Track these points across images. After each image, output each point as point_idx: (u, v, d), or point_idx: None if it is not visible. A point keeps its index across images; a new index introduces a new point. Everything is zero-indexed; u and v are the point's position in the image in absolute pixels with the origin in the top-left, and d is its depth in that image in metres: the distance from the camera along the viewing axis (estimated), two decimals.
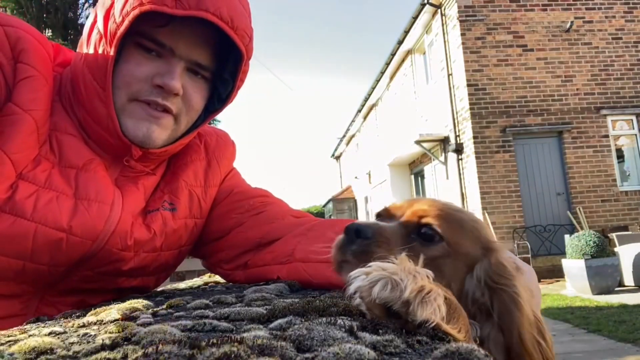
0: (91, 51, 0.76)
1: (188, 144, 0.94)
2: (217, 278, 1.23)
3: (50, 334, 0.42)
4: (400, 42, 13.05)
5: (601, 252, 6.85)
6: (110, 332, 0.40)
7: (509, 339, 0.51)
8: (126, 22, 0.70)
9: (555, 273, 8.87)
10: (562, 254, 8.18)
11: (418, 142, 11.24)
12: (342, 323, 0.37)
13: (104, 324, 0.47)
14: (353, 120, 20.83)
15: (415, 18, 11.79)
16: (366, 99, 18.09)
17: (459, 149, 10.39)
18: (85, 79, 0.76)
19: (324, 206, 26.78)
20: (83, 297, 0.84)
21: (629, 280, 7.25)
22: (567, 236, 8.41)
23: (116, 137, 0.78)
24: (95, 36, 0.76)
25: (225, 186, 1.01)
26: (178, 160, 0.94)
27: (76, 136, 0.79)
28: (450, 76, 10.73)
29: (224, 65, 0.85)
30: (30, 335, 0.40)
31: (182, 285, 1.19)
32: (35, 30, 0.78)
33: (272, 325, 0.41)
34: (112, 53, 0.72)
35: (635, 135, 10.32)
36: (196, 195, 0.93)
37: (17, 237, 0.71)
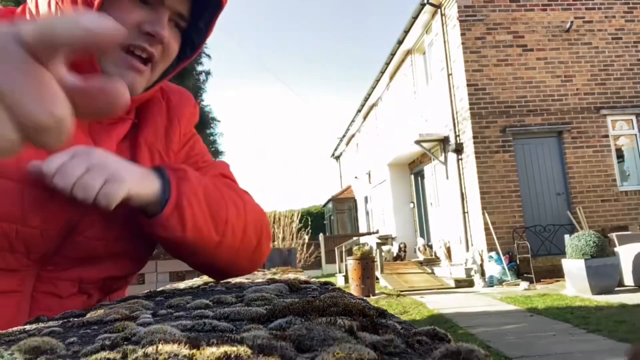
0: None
1: (150, 98, 0.94)
2: None
3: (50, 334, 0.42)
4: (400, 42, 13.06)
5: (601, 252, 6.86)
6: (110, 332, 0.40)
7: None
8: None
9: (555, 273, 8.88)
10: (562, 254, 8.19)
11: (418, 142, 11.25)
12: (342, 323, 0.37)
13: (104, 323, 0.47)
14: (353, 120, 20.85)
15: (415, 18, 11.79)
16: (366, 99, 18.11)
17: (458, 149, 10.40)
18: None
19: (324, 206, 26.78)
20: (80, 273, 0.82)
21: (628, 280, 7.25)
22: (567, 236, 8.41)
23: None
24: None
25: (191, 161, 1.00)
26: (138, 115, 0.92)
27: None
28: (450, 76, 10.74)
29: (198, 15, 0.87)
30: (30, 335, 0.40)
31: (182, 285, 1.19)
32: None
33: (272, 325, 0.41)
34: (97, 1, 0.71)
35: (635, 135, 10.33)
36: (157, 151, 0.93)
37: (6, 200, 0.69)
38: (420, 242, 13.44)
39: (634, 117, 10.28)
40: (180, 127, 0.98)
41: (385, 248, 13.11)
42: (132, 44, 0.77)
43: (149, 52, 0.78)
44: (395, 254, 12.99)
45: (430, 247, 12.98)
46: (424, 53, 12.86)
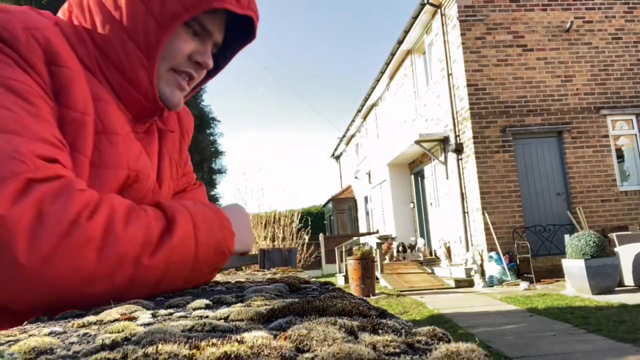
0: (125, 15, 0.79)
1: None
2: (217, 278, 1.23)
3: (50, 334, 0.42)
4: (400, 42, 13.05)
5: (601, 252, 6.85)
6: (110, 332, 0.40)
7: None
8: (191, 12, 0.79)
9: (555, 273, 8.88)
10: (562, 254, 8.19)
11: (418, 142, 11.25)
12: (342, 323, 0.37)
13: (104, 324, 0.47)
14: (353, 120, 20.84)
15: (415, 18, 11.79)
16: (366, 99, 18.10)
17: (459, 149, 10.40)
18: (126, 46, 0.80)
19: (324, 206, 26.78)
20: None
21: (629, 280, 7.25)
22: (567, 236, 8.41)
23: (152, 102, 0.86)
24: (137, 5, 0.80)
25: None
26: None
27: (111, 102, 0.83)
28: (450, 76, 10.74)
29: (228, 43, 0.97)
30: (30, 335, 0.40)
31: None
32: (46, 20, 0.77)
33: (272, 325, 0.41)
34: (167, 32, 0.80)
35: (635, 135, 10.33)
36: (174, 161, 1.00)
37: None
38: (420, 242, 13.43)
39: (634, 117, 10.28)
40: (187, 141, 1.07)
41: (394, 248, 13.07)
42: (182, 69, 0.87)
43: (194, 76, 0.89)
44: (394, 254, 12.95)
45: (430, 247, 12.97)
46: (424, 53, 12.86)
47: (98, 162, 0.77)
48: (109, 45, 0.81)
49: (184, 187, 1.05)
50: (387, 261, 12.32)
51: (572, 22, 10.26)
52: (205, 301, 0.56)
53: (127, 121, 0.85)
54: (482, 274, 9.30)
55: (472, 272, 9.45)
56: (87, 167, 0.74)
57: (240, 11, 0.83)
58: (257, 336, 0.34)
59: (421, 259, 12.45)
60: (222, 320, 0.45)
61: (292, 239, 13.01)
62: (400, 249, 12.90)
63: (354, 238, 13.52)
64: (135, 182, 0.83)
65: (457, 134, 10.50)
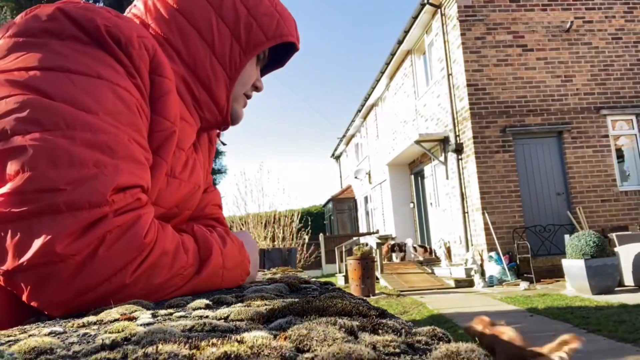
0: (215, 39, 0.87)
1: None
2: None
3: (50, 334, 0.42)
4: (400, 42, 13.05)
5: (601, 252, 6.85)
6: (110, 332, 0.40)
7: None
8: (271, 43, 0.90)
9: (555, 273, 8.88)
10: (562, 254, 8.18)
11: (418, 142, 11.25)
12: (342, 323, 0.37)
13: (104, 324, 0.47)
14: (353, 120, 20.84)
15: (415, 18, 11.79)
16: (366, 99, 18.10)
17: (459, 149, 10.39)
18: (214, 67, 0.88)
19: (324, 206, 26.77)
20: None
21: (628, 280, 7.25)
22: (567, 236, 8.40)
23: (223, 117, 0.94)
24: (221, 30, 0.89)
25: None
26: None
27: (189, 121, 0.88)
28: (450, 76, 10.73)
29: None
30: (30, 335, 0.40)
31: None
32: (149, 33, 0.82)
33: (272, 325, 0.41)
34: (249, 57, 0.89)
35: (635, 135, 10.32)
36: (205, 167, 1.05)
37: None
38: (418, 242, 13.42)
39: (634, 117, 10.28)
40: (214, 146, 1.12)
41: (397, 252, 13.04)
42: (248, 94, 0.99)
43: (249, 97, 1.01)
44: (391, 255, 12.92)
45: (424, 247, 12.92)
46: (424, 53, 12.85)
47: (170, 172, 0.81)
48: (198, 64, 0.87)
49: (205, 187, 1.09)
50: (387, 261, 12.31)
51: (572, 22, 10.26)
52: (205, 301, 0.56)
53: (193, 135, 0.91)
54: (482, 274, 9.30)
55: (472, 272, 9.45)
56: (164, 173, 0.79)
57: (299, 47, 0.98)
58: (257, 336, 0.34)
59: (420, 259, 12.43)
60: (222, 320, 0.45)
61: (292, 239, 13.00)
62: (397, 248, 12.89)
63: (354, 238, 13.52)
64: (193, 194, 0.91)
65: (457, 134, 10.50)
